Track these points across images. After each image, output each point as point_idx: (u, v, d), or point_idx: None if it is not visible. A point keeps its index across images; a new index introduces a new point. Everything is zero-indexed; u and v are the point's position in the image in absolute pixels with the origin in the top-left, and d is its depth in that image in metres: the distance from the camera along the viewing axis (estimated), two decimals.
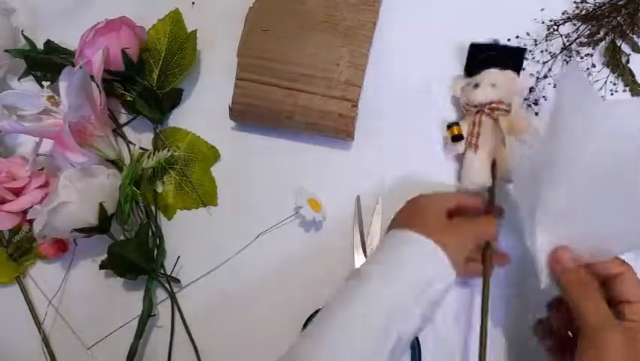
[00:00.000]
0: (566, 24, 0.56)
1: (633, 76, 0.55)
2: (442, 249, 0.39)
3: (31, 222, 0.49)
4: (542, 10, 0.56)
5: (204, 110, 0.57)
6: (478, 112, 0.50)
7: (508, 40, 0.56)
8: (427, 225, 0.41)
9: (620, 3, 0.55)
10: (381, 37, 0.54)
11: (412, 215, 0.44)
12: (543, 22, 0.56)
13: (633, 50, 0.56)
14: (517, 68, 0.52)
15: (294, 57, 0.52)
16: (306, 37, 0.52)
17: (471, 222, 0.44)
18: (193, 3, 0.59)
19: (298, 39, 0.52)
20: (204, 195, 0.54)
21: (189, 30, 0.57)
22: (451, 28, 0.56)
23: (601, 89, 0.54)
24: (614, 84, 0.55)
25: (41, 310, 0.53)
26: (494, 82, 0.51)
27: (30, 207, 0.49)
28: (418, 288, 0.38)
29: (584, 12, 0.56)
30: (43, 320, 0.53)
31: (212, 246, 0.53)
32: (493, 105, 0.50)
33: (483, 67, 0.52)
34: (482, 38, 0.56)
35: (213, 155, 0.55)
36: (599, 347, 0.36)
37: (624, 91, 0.55)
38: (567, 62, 0.55)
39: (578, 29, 0.56)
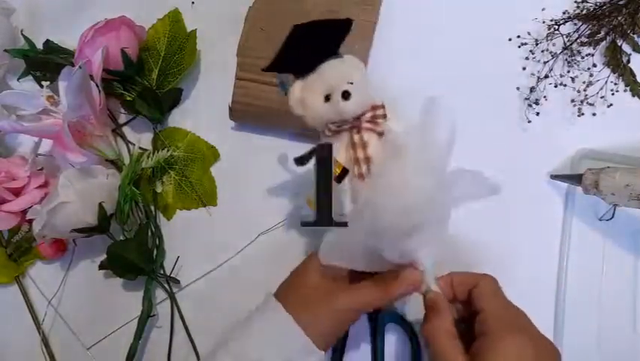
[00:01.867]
0: (567, 24, 0.56)
1: (634, 76, 0.55)
2: (303, 330, 0.38)
3: (30, 222, 0.49)
4: (543, 9, 0.56)
5: (204, 110, 0.57)
6: (352, 129, 0.37)
7: (509, 39, 0.56)
8: (297, 296, 0.40)
9: (621, 3, 0.55)
10: (381, 37, 0.54)
11: (291, 282, 0.43)
12: (544, 22, 0.56)
13: (634, 50, 0.55)
14: (337, 48, 0.37)
15: None
16: None
17: (353, 290, 0.40)
18: (193, 2, 0.59)
19: None
20: (204, 195, 0.54)
21: (189, 30, 0.57)
22: (452, 28, 0.56)
23: (602, 88, 0.54)
24: (615, 84, 0.55)
25: (41, 310, 0.53)
26: (350, 78, 0.36)
27: (29, 207, 0.49)
28: None
29: (584, 12, 0.56)
30: (43, 320, 0.53)
31: (211, 246, 0.53)
32: (371, 115, 0.36)
33: (306, 60, 0.37)
34: (483, 38, 0.56)
35: (213, 155, 0.55)
36: None
37: (625, 91, 0.55)
38: (568, 62, 0.55)
39: (578, 29, 0.56)
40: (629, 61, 0.55)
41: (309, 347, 0.38)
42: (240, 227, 0.53)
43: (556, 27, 0.56)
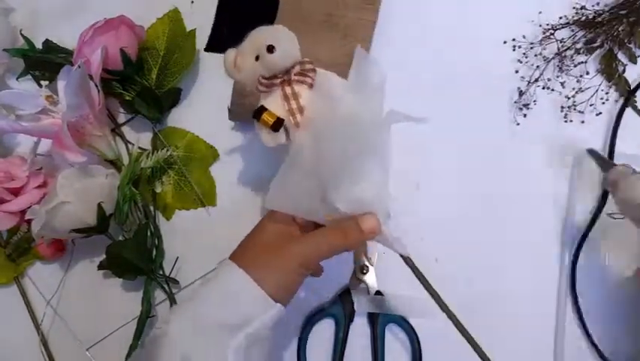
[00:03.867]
0: (564, 29, 0.55)
1: (629, 86, 0.54)
2: (257, 284, 0.37)
3: (29, 222, 0.48)
4: (540, 13, 0.56)
5: (203, 110, 0.57)
6: (283, 83, 0.39)
7: (504, 42, 0.56)
8: (251, 253, 0.40)
9: (622, 12, 0.54)
10: (381, 37, 0.54)
11: (245, 242, 0.41)
12: (540, 26, 0.56)
13: (630, 61, 0.55)
14: (272, 20, 0.41)
15: None
16: (305, 37, 0.52)
17: (299, 242, 0.39)
18: (192, 2, 0.59)
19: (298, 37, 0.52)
20: (203, 196, 0.54)
21: (188, 29, 0.57)
22: (451, 29, 0.56)
23: (592, 96, 0.54)
24: (606, 93, 0.54)
25: (40, 310, 0.53)
26: (275, 36, 0.38)
27: (28, 207, 0.49)
28: (233, 323, 0.37)
29: (583, 18, 0.55)
30: (42, 320, 0.52)
31: (211, 246, 0.52)
32: (299, 69, 0.39)
33: (240, 29, 0.39)
34: (481, 39, 0.56)
35: (212, 155, 0.55)
36: None
37: (616, 101, 0.55)
38: (560, 68, 0.55)
39: (575, 35, 0.55)
40: (624, 71, 0.54)
41: (265, 300, 0.37)
42: (239, 227, 0.52)
43: (552, 32, 0.55)
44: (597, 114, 0.54)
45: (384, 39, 0.55)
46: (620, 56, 0.55)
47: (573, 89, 0.54)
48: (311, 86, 0.39)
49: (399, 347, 0.50)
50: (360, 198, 0.38)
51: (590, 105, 0.54)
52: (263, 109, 0.39)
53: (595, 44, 0.55)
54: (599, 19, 0.55)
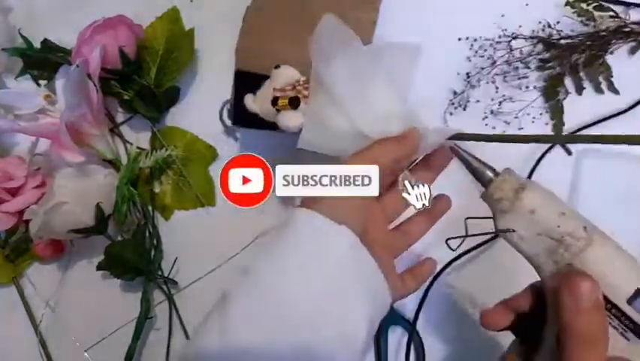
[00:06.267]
0: (519, 39, 0.54)
1: (562, 113, 0.53)
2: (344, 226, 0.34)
3: (27, 222, 0.48)
4: (502, 16, 0.55)
5: (202, 109, 0.56)
6: (294, 88, 0.43)
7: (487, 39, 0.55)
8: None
9: (588, 43, 0.52)
10: (381, 37, 0.54)
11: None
12: (502, 31, 0.54)
13: (576, 91, 0.54)
14: None
15: (293, 57, 0.51)
16: (304, 37, 0.51)
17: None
18: (191, 1, 0.59)
19: (296, 38, 0.51)
20: (202, 195, 0.54)
21: (187, 28, 0.56)
22: (450, 28, 0.56)
23: (523, 109, 0.53)
24: (541, 114, 0.53)
25: (38, 311, 0.53)
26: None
27: (27, 208, 0.49)
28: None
29: (549, 37, 0.54)
30: (40, 321, 0.52)
31: (210, 247, 0.53)
32: (302, 81, 0.43)
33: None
34: (481, 39, 0.55)
35: (211, 154, 0.55)
36: None
37: (546, 124, 0.53)
38: (504, 76, 0.54)
39: (534, 47, 0.54)
40: (565, 97, 0.53)
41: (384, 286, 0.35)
42: (238, 227, 0.53)
43: (508, 40, 0.54)
44: (519, 129, 0.53)
45: (384, 39, 0.55)
46: (568, 83, 0.54)
47: (503, 95, 0.53)
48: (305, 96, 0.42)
49: (402, 350, 0.50)
50: (383, 113, 0.37)
51: (515, 118, 0.53)
52: (275, 97, 0.42)
53: (549, 65, 0.54)
54: (563, 42, 0.53)
